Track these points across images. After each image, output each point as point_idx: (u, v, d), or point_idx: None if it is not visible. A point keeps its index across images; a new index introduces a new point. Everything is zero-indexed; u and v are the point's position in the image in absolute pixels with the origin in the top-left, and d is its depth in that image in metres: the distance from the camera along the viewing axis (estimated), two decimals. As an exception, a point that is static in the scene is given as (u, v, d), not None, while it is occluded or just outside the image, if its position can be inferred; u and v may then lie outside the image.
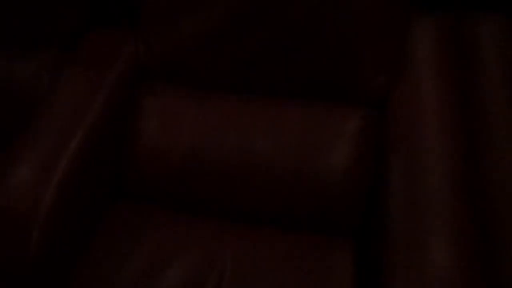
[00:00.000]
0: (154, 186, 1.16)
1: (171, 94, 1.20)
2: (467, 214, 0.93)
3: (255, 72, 1.15)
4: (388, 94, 1.11)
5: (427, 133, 1.02)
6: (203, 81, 1.19)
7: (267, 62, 1.14)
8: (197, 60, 1.18)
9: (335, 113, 1.12)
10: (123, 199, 1.18)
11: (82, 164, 1.05)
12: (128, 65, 1.20)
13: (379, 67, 1.10)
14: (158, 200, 1.16)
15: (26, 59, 1.27)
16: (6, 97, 1.27)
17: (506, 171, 1.00)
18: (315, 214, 1.09)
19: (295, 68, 1.13)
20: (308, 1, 1.07)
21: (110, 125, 1.14)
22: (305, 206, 1.09)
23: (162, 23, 1.18)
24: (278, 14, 1.09)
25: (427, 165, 0.98)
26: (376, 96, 1.12)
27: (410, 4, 1.10)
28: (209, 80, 1.19)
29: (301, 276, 1.04)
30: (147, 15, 1.20)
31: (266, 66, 1.14)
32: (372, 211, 1.07)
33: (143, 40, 1.21)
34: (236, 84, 1.18)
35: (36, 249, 0.95)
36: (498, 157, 1.01)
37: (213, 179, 1.12)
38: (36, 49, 1.27)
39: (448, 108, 1.05)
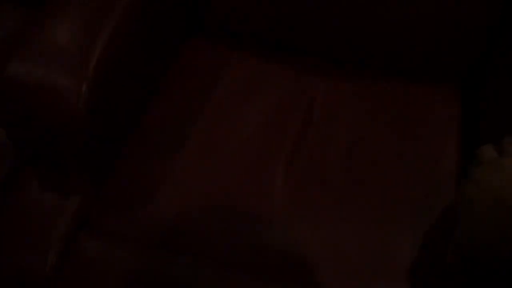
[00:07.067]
0: (236, 20, 1.04)
1: None
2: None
3: None
4: None
5: None
6: None
7: None
8: None
9: None
10: (201, 36, 1.07)
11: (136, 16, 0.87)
12: None
13: None
14: (240, 36, 1.06)
15: None
16: None
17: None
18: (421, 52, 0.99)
19: None
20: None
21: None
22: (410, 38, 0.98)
23: None
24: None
25: None
26: None
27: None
28: None
29: (399, 117, 0.97)
30: None
31: None
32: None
33: None
34: None
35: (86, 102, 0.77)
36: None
37: (307, 10, 0.99)
38: None
39: None
